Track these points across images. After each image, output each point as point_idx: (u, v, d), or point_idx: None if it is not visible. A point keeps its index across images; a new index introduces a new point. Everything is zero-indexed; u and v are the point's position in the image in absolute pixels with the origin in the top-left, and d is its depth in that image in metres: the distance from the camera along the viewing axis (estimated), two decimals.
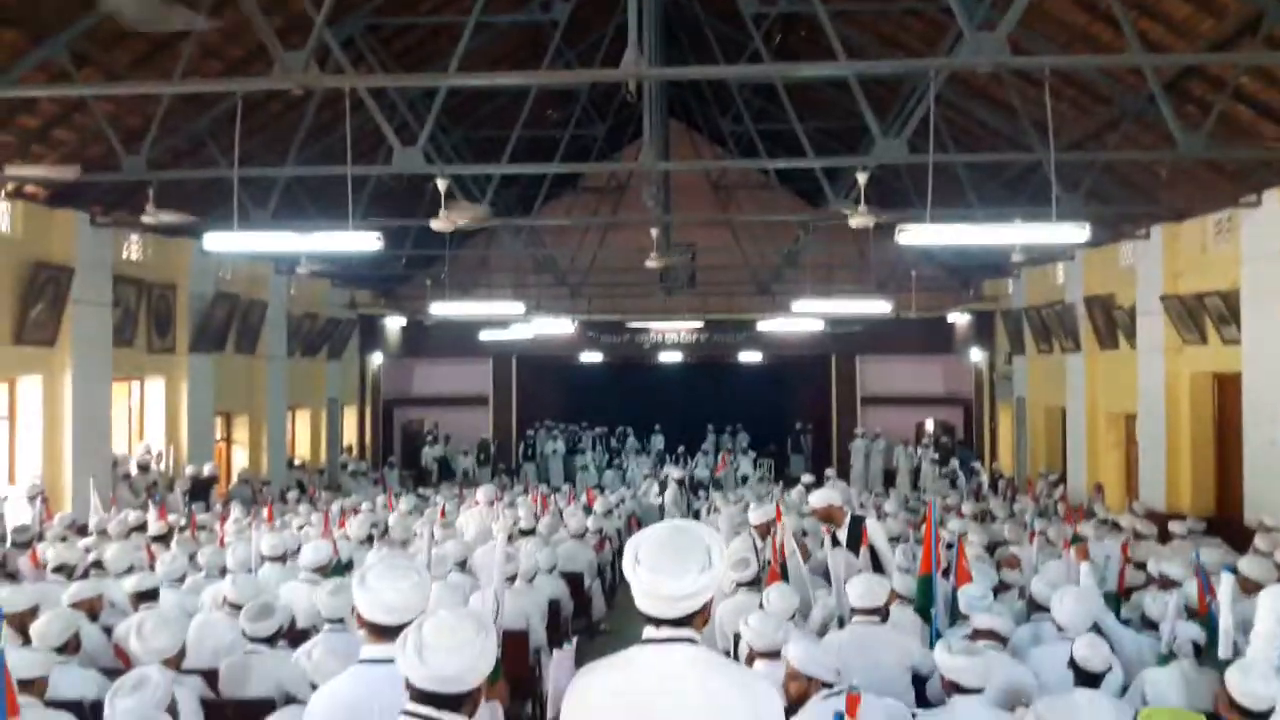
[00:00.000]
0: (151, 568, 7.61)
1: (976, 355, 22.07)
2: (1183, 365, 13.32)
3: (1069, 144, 11.27)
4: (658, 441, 25.69)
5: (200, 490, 14.28)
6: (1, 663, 2.77)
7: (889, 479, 21.90)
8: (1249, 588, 5.26)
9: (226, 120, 10.87)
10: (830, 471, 17.96)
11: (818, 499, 7.13)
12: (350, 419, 22.41)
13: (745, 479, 20.60)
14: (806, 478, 16.94)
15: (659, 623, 2.50)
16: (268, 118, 12.18)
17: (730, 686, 2.47)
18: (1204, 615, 5.40)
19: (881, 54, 12.27)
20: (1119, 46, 8.87)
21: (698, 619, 2.51)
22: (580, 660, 3.99)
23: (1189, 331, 12.82)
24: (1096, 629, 5.28)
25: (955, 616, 6.03)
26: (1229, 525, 11.41)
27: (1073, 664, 4.46)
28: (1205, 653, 5.44)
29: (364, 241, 8.98)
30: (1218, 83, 9.23)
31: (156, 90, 9.29)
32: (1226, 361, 12.15)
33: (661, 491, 15.76)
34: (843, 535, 6.73)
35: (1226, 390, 12.75)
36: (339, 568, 7.60)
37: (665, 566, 2.44)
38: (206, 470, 14.55)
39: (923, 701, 5.09)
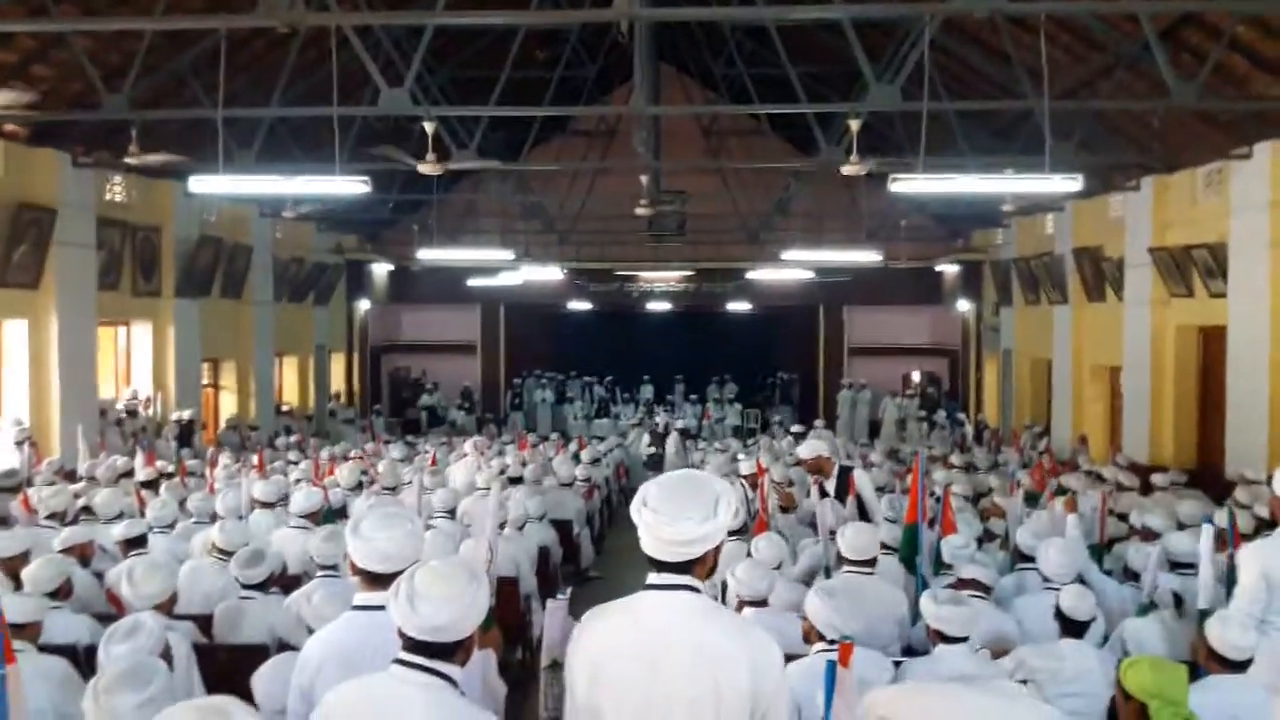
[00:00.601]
0: (141, 513, 7.63)
1: (964, 306, 22.11)
2: (1169, 318, 13.37)
3: (1062, 92, 11.17)
4: (646, 391, 25.73)
5: (184, 435, 14.27)
6: None
7: (874, 429, 22.06)
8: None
9: (209, 59, 10.66)
10: (819, 422, 18.01)
11: (806, 450, 7.17)
12: (338, 365, 22.36)
13: (736, 429, 20.68)
14: (796, 428, 17.04)
15: (661, 567, 2.54)
16: (251, 57, 11.95)
17: (728, 635, 2.51)
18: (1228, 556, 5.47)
19: None
20: None
21: (698, 567, 2.54)
22: (573, 609, 4.03)
23: (1176, 284, 12.85)
24: (1080, 580, 5.37)
25: (939, 566, 6.11)
26: (1210, 477, 11.56)
27: (1059, 613, 4.52)
28: (1184, 603, 5.55)
29: (352, 185, 8.87)
30: (1214, 31, 9.14)
31: (137, 26, 9.08)
32: (1212, 315, 12.19)
33: (653, 442, 15.77)
34: (830, 486, 6.78)
35: (1211, 344, 12.82)
36: (330, 514, 7.64)
37: (669, 510, 2.48)
38: (187, 414, 14.51)
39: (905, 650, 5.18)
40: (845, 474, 6.92)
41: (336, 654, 2.99)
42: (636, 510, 2.53)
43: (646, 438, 16.17)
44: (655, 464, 15.52)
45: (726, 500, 2.52)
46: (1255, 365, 11.07)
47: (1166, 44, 8.91)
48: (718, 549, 2.57)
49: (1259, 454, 10.81)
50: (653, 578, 2.57)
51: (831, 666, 2.35)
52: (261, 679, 3.83)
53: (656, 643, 2.49)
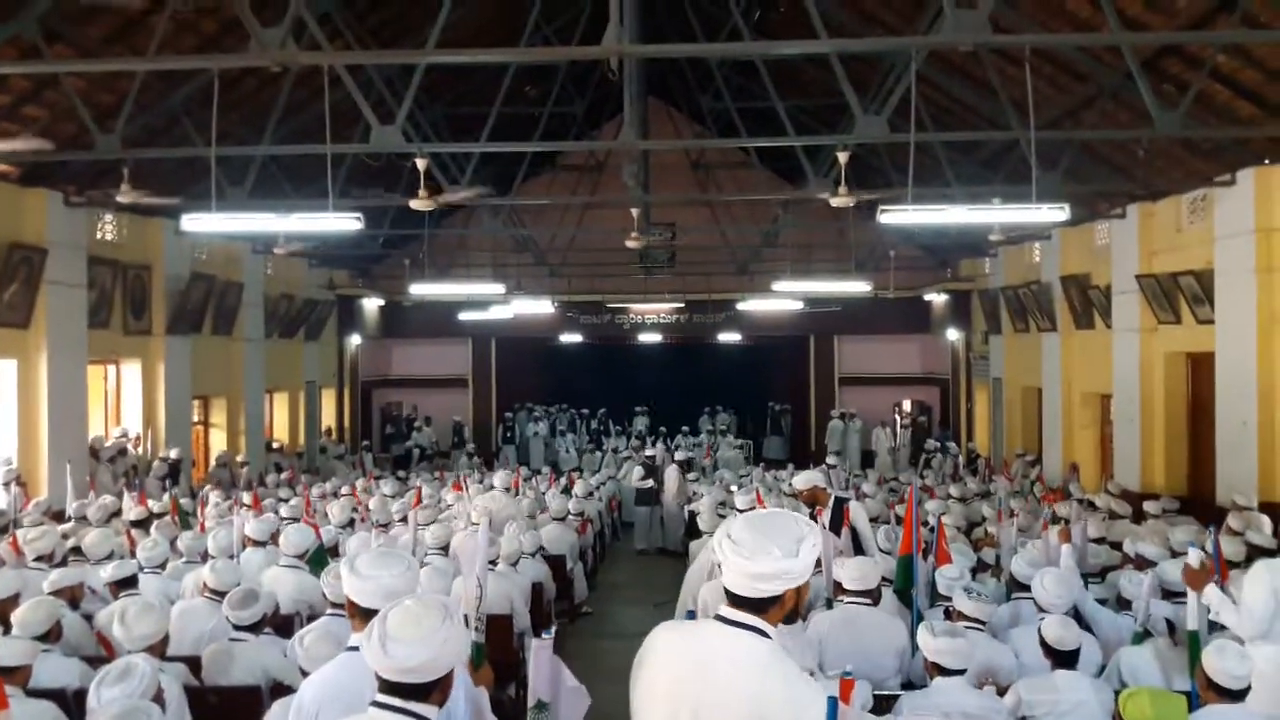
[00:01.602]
0: (132, 554, 7.57)
1: (953, 335, 22.20)
2: (1157, 345, 13.44)
3: (1047, 122, 11.30)
4: (639, 423, 25.69)
5: (171, 474, 14.17)
6: None
7: (866, 459, 22.05)
8: (1193, 577, 5.33)
9: (201, 98, 10.72)
10: (831, 458, 17.78)
11: (801, 481, 7.19)
12: (328, 401, 22.30)
13: (728, 462, 20.59)
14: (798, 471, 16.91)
15: (738, 602, 2.52)
16: (242, 95, 12.02)
17: (784, 688, 2.46)
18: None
19: (862, 31, 12.25)
20: (1098, 24, 8.89)
21: (774, 609, 2.51)
22: (566, 645, 4.01)
23: (1163, 311, 12.93)
24: (1075, 609, 5.36)
25: (934, 598, 6.09)
26: (1202, 504, 11.57)
27: (1044, 644, 4.52)
28: (1178, 630, 5.54)
29: (344, 223, 8.90)
30: (1195, 61, 9.28)
31: (130, 67, 9.14)
32: (1200, 341, 12.27)
33: (647, 474, 15.59)
34: (826, 517, 6.78)
35: (1200, 370, 12.88)
36: (320, 552, 7.58)
37: (750, 544, 2.46)
38: (174, 453, 14.44)
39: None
40: (840, 505, 6.92)
41: (332, 695, 2.97)
42: (719, 541, 2.53)
43: (639, 470, 16.02)
44: (647, 497, 15.37)
45: (811, 542, 2.49)
46: (1243, 391, 11.13)
47: (1148, 74, 9.04)
48: (799, 591, 2.53)
49: (1249, 480, 10.85)
50: (725, 610, 2.54)
51: (833, 703, 2.34)
52: None
53: (710, 677, 2.49)
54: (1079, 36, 9.40)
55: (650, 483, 15.38)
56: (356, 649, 3.02)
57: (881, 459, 21.00)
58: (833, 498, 7.03)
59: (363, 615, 3.01)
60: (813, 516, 6.84)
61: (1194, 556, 4.97)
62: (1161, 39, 8.97)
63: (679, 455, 16.63)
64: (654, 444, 20.09)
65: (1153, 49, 9.38)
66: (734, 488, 12.73)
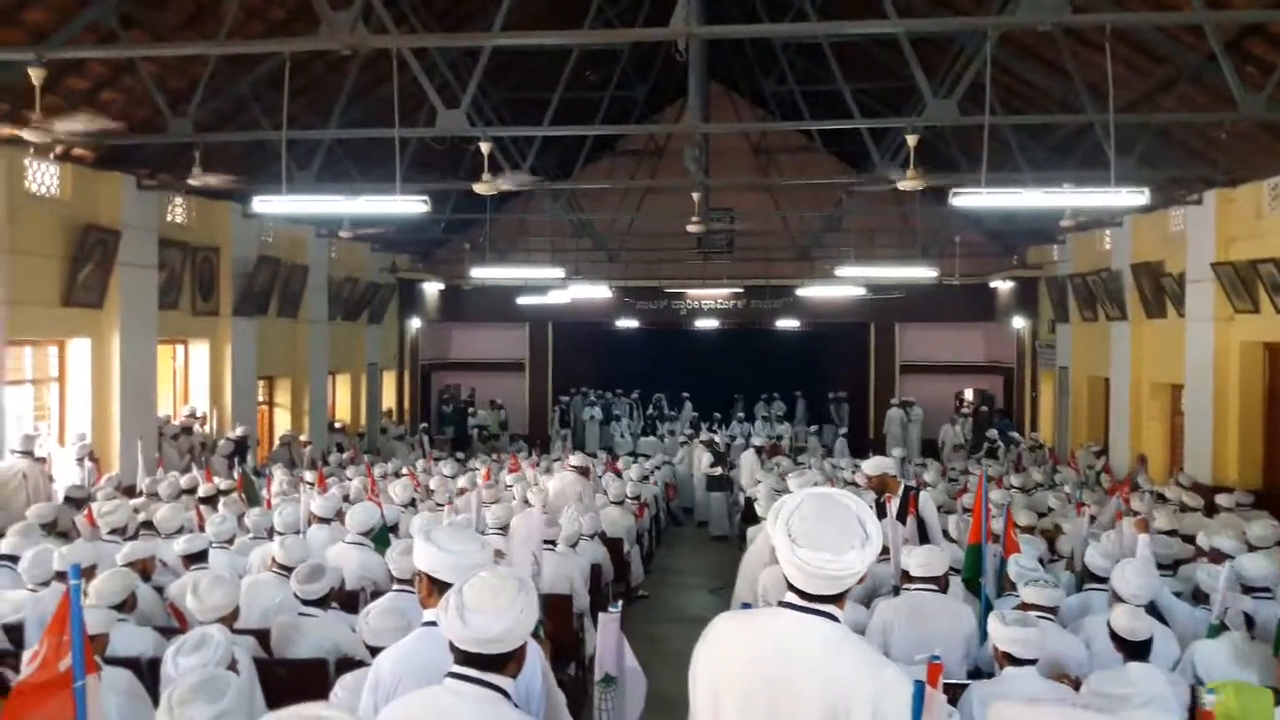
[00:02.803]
0: (201, 529, 7.73)
1: (1019, 323, 21.78)
2: (1233, 334, 13.05)
3: (1123, 105, 11.00)
4: (687, 409, 25.63)
5: (238, 452, 14.45)
6: (79, 619, 2.80)
7: (926, 448, 21.74)
8: None
9: (269, 82, 10.89)
10: (899, 450, 17.37)
11: (872, 466, 7.14)
12: (389, 383, 22.60)
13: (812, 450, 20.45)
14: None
15: (805, 595, 2.43)
16: (310, 80, 12.18)
17: (858, 669, 2.39)
18: None
19: (931, 12, 12.02)
20: (1180, 3, 8.62)
21: (842, 597, 2.45)
22: (623, 625, 4.01)
23: (1241, 299, 12.54)
24: (1151, 602, 5.22)
25: (1002, 587, 5.99)
26: (1277, 499, 11.23)
27: (1114, 635, 4.40)
28: (1256, 625, 5.39)
29: (412, 205, 8.97)
30: (1279, 41, 8.95)
31: (203, 51, 9.30)
32: (1279, 331, 11.88)
33: (716, 461, 15.41)
34: (893, 505, 6.71)
35: (1278, 360, 12.49)
36: (383, 530, 7.68)
37: (827, 544, 2.36)
38: (240, 431, 14.70)
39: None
40: (909, 494, 6.84)
41: (411, 668, 2.99)
42: (785, 544, 2.40)
43: (708, 456, 15.86)
44: (718, 484, 15.24)
45: (872, 520, 2.42)
46: None
47: (1231, 55, 8.73)
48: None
49: None
50: (791, 597, 2.46)
51: (920, 687, 2.29)
52: (344, 691, 3.81)
53: (785, 665, 2.41)
54: (1160, 16, 9.10)
55: (719, 470, 15.31)
56: (433, 623, 3.04)
57: (948, 453, 20.65)
58: (902, 486, 6.95)
59: (439, 589, 3.03)
60: (880, 504, 6.76)
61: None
62: (1246, 17, 8.65)
63: (758, 441, 16.50)
64: (714, 429, 20.03)
65: (1236, 29, 9.06)
66: (791, 476, 12.63)
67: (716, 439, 17.35)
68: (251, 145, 12.48)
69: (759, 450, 15.50)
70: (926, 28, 9.44)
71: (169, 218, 14.13)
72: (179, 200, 14.35)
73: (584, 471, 10.54)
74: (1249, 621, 5.43)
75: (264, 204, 9.57)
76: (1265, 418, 12.88)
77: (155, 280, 13.24)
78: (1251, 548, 6.84)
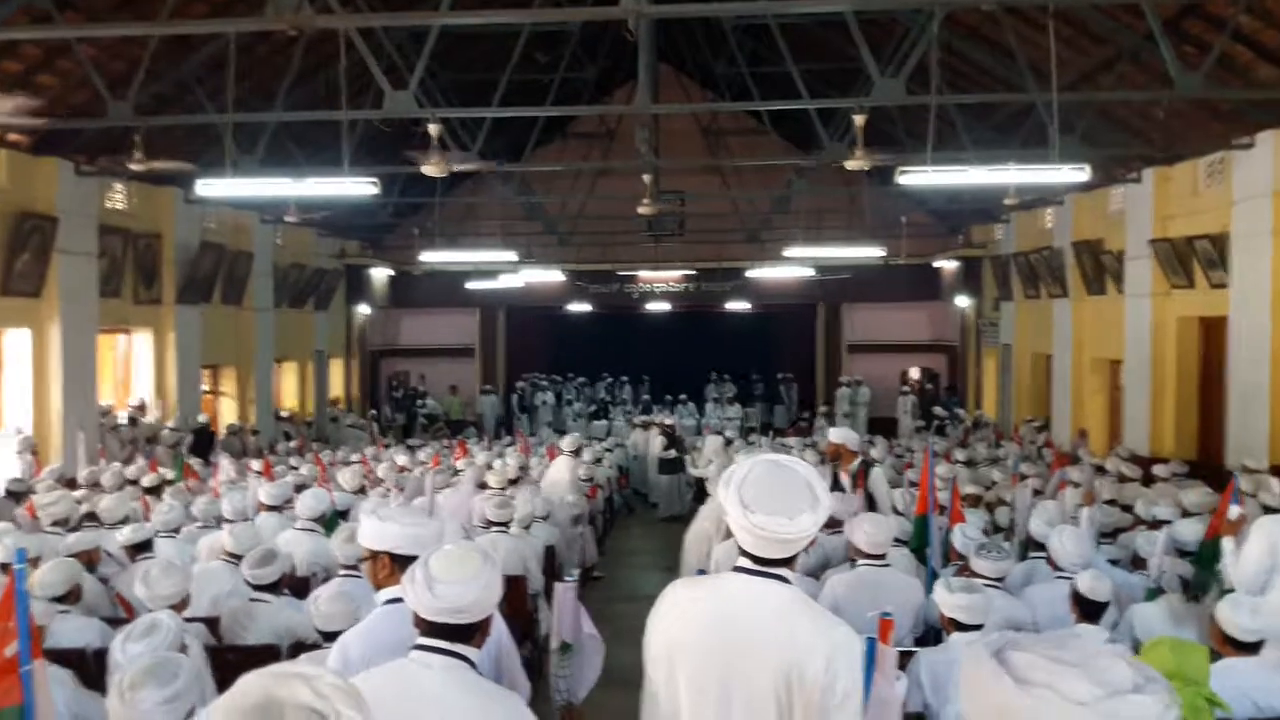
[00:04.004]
0: (146, 519, 7.62)
1: (963, 302, 22.12)
2: (1170, 309, 13.39)
3: (1064, 85, 11.19)
4: (624, 392, 25.70)
5: (201, 442, 14.24)
6: (25, 605, 2.76)
7: (873, 426, 22.01)
8: (1229, 529, 5.43)
9: (212, 65, 10.68)
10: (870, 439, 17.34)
11: (835, 434, 7.27)
12: (336, 370, 22.36)
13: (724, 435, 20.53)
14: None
15: (757, 559, 2.48)
16: (254, 62, 11.95)
17: (814, 629, 2.44)
18: (1213, 537, 5.58)
19: None
20: None
21: (794, 560, 2.50)
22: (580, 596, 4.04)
23: (1177, 275, 12.86)
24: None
25: (948, 557, 6.13)
26: (1211, 468, 11.56)
27: (1077, 597, 4.52)
28: (1191, 587, 5.58)
29: (360, 187, 8.88)
30: (1217, 22, 9.16)
31: (143, 31, 9.09)
32: (1214, 305, 12.21)
33: (670, 445, 15.41)
34: (845, 478, 6.82)
35: (1212, 334, 12.84)
36: (333, 517, 7.63)
37: (780, 507, 2.40)
38: (203, 419, 14.48)
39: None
40: (865, 468, 6.96)
41: (381, 647, 2.96)
42: (738, 512, 2.43)
43: (661, 439, 15.89)
44: (671, 467, 15.27)
45: (820, 483, 2.47)
46: (1257, 355, 11.08)
47: (1169, 35, 8.92)
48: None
49: (1260, 443, 10.83)
50: (744, 562, 2.50)
51: (871, 643, 2.35)
52: None
53: (739, 628, 2.45)
54: None
55: (673, 452, 15.33)
56: (397, 600, 3.03)
57: (904, 424, 20.93)
58: (858, 459, 7.07)
59: (401, 566, 3.02)
60: (835, 474, 6.88)
61: (1234, 511, 5.05)
62: None
63: (729, 432, 16.52)
64: (662, 412, 20.10)
65: (1174, 9, 9.26)
66: (740, 453, 12.74)
67: (669, 421, 17.38)
68: (195, 129, 12.24)
69: (727, 440, 15.41)
70: (873, 6, 9.52)
71: (109, 204, 13.83)
72: (119, 186, 14.05)
73: (577, 453, 10.60)
74: (1184, 584, 5.61)
75: (208, 187, 9.42)
76: (1199, 391, 13.24)
77: (95, 268, 12.96)
78: (1186, 514, 7.07)
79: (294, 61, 10.95)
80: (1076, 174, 8.64)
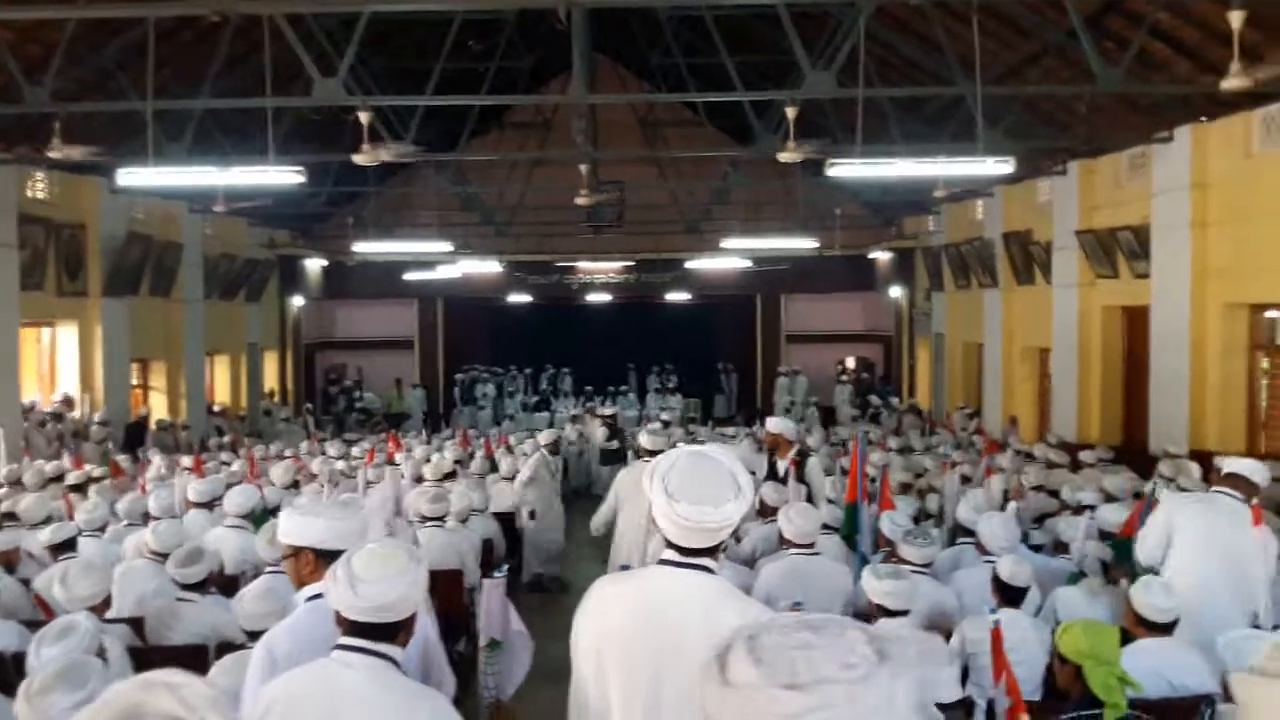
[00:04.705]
0: (70, 518, 7.42)
1: (896, 292, 22.45)
2: (1095, 299, 13.73)
3: (992, 79, 11.40)
4: (566, 383, 25.67)
5: (134, 436, 13.89)
6: None
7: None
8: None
9: (135, 51, 10.38)
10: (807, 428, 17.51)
11: (774, 424, 7.34)
12: (270, 364, 21.96)
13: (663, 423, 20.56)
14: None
15: (683, 551, 2.48)
16: (179, 48, 11.65)
17: (740, 620, 2.42)
18: (1127, 537, 5.72)
19: None
20: None
21: (718, 549, 2.51)
22: (509, 593, 4.03)
23: (1101, 265, 13.19)
24: None
25: (877, 544, 6.24)
26: (1135, 453, 11.89)
27: (998, 582, 4.63)
28: (1111, 571, 5.74)
29: (285, 176, 8.72)
30: (1136, 18, 9.39)
31: (59, 15, 8.80)
32: (1136, 295, 12.55)
33: (612, 435, 15.36)
34: (782, 467, 6.90)
35: (1135, 323, 13.19)
36: (264, 513, 7.50)
37: (705, 496, 2.39)
38: (142, 412, 14.11)
39: None
40: (802, 458, 7.04)
41: (308, 644, 2.92)
42: (663, 501, 2.42)
43: (603, 430, 15.84)
44: (613, 457, 15.24)
45: (744, 473, 2.47)
46: (1177, 343, 11.43)
47: (1091, 31, 9.13)
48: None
49: (1181, 430, 11.17)
50: (669, 554, 2.50)
51: None
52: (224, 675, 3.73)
53: (666, 621, 2.45)
54: None
55: (615, 443, 15.30)
56: (317, 597, 2.98)
57: (842, 412, 21.17)
58: (795, 448, 7.14)
59: (326, 561, 2.98)
60: (772, 462, 6.95)
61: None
62: None
63: (666, 415, 16.51)
64: (603, 403, 20.07)
65: (1096, 5, 9.47)
66: (682, 445, 12.79)
67: (610, 411, 17.36)
68: (118, 117, 11.90)
69: (665, 425, 15.43)
70: None
71: (29, 193, 13.42)
72: (41, 175, 13.63)
73: (554, 449, 10.56)
74: (1104, 567, 5.77)
75: (129, 176, 9.19)
76: (1124, 378, 13.60)
77: (15, 259, 12.56)
78: (1109, 498, 7.27)
79: (221, 48, 10.71)
80: (1001, 166, 8.82)
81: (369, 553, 2.56)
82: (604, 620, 2.54)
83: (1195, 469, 9.12)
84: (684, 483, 2.42)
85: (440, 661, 3.21)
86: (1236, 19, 6.77)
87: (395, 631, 2.54)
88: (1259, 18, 7.51)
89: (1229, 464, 5.35)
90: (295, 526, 3.12)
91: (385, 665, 2.50)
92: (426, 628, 3.11)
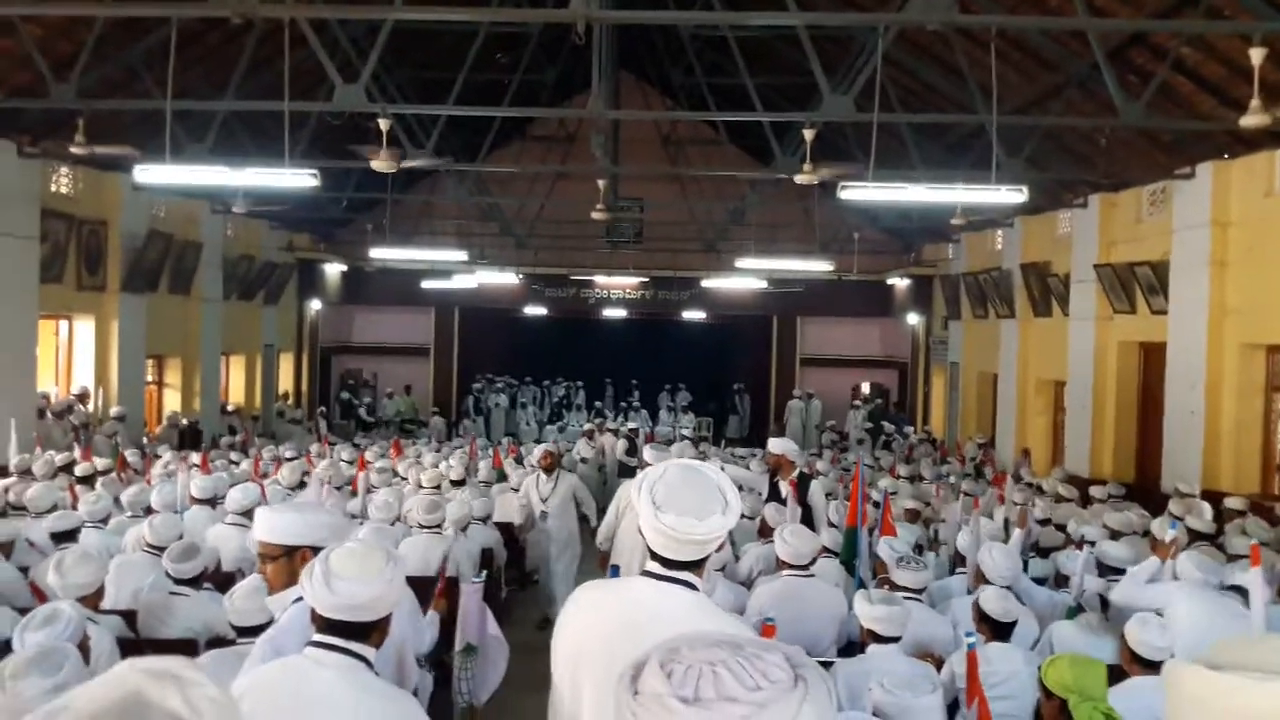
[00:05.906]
0: (74, 509, 7.46)
1: (913, 319, 22.37)
2: (1112, 334, 13.62)
3: (1013, 109, 11.37)
4: (578, 397, 25.66)
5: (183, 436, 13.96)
6: None
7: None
8: (1162, 551, 5.55)
9: (162, 51, 10.50)
10: (816, 451, 17.35)
11: (775, 445, 7.32)
12: (286, 366, 22.07)
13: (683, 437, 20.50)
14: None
15: (667, 563, 2.46)
16: (205, 50, 11.80)
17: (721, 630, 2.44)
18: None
19: (832, 8, 12.25)
20: (1066, 11, 8.94)
21: (701, 565, 2.49)
22: (509, 611, 4.01)
23: (1119, 300, 13.09)
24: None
25: (877, 570, 6.18)
26: (1147, 491, 11.77)
27: (982, 615, 4.58)
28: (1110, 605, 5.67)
29: (301, 179, 8.78)
30: (1159, 53, 9.37)
31: (87, 12, 8.93)
32: (1153, 331, 12.44)
33: (631, 450, 15.30)
34: (784, 489, 6.87)
35: (1151, 359, 13.08)
36: None
37: (690, 509, 2.39)
38: (184, 421, 14.18)
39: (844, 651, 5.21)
40: (804, 481, 7.01)
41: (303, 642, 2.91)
42: (649, 512, 2.41)
43: (623, 443, 15.78)
44: (632, 472, 15.18)
45: (732, 490, 2.46)
46: (1192, 381, 11.31)
47: (1114, 64, 9.10)
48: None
49: (1194, 469, 11.05)
50: (652, 566, 2.49)
51: None
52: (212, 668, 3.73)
53: (644, 632, 2.41)
54: (1045, 20, 9.44)
55: (635, 460, 15.26)
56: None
57: (855, 437, 21.07)
58: (797, 471, 7.11)
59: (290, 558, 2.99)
60: (774, 483, 6.92)
61: (1170, 534, 5.17)
62: (1127, 26, 9.04)
63: (688, 431, 16.41)
64: (615, 419, 20.02)
65: (1119, 39, 9.44)
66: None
67: (632, 426, 17.33)
68: (144, 116, 12.03)
69: (693, 443, 15.35)
70: (822, 20, 9.61)
71: (54, 188, 13.56)
72: (65, 170, 13.78)
73: (551, 468, 10.50)
74: (1104, 603, 5.70)
75: (146, 173, 9.27)
76: (1139, 414, 13.47)
77: (37, 252, 12.68)
78: (1114, 535, 7.19)
79: (246, 52, 10.82)
80: (1013, 195, 8.78)
81: (347, 551, 2.56)
82: (582, 631, 2.52)
83: (1207, 509, 9.03)
84: (671, 494, 2.41)
85: (412, 665, 3.19)
86: (1257, 55, 6.73)
87: (369, 631, 2.53)
88: None
89: None
90: (290, 524, 3.11)
91: (357, 664, 2.50)
92: (405, 631, 3.10)
